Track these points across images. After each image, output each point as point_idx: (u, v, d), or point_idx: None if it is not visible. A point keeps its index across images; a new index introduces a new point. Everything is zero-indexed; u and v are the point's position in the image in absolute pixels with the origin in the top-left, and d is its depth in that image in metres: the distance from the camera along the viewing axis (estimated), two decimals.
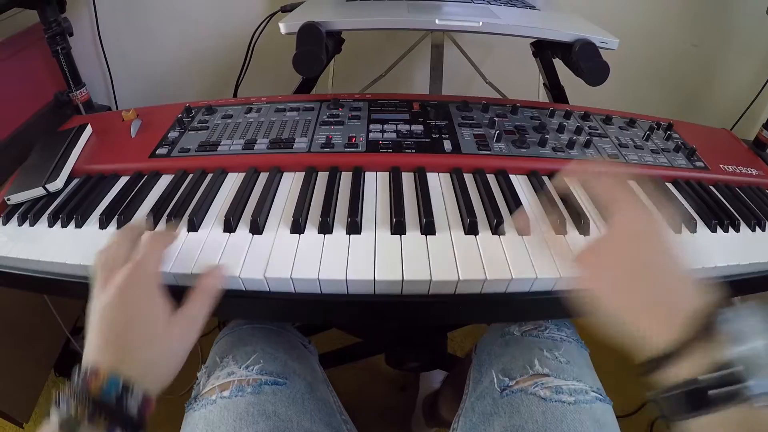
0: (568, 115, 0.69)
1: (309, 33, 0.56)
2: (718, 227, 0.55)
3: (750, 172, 0.67)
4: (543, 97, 0.92)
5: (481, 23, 0.59)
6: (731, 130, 1.12)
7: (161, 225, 0.50)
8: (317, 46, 0.56)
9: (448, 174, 0.57)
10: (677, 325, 0.32)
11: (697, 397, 0.29)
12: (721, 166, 0.66)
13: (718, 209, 0.57)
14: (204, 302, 0.42)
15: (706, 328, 0.31)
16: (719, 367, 0.29)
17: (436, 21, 0.60)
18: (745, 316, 0.30)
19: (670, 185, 0.61)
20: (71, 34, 0.88)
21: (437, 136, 0.62)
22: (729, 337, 0.29)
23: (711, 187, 0.62)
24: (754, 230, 0.56)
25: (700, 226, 0.54)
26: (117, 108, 1.16)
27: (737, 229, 0.55)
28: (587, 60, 0.60)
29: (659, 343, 0.32)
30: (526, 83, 0.98)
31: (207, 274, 0.43)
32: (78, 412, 0.34)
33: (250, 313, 0.55)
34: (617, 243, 0.40)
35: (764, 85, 1.09)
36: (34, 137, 0.68)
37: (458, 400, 0.62)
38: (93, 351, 0.38)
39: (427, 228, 0.48)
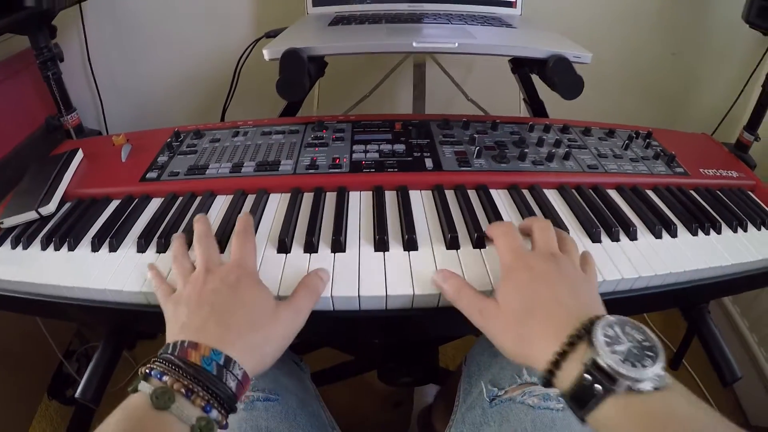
0: (547, 129, 0.71)
1: (292, 59, 0.58)
2: (699, 231, 0.56)
3: (731, 174, 0.68)
4: (524, 111, 0.94)
5: (457, 44, 0.61)
6: (713, 134, 1.14)
7: (151, 248, 0.51)
8: (300, 72, 0.57)
9: (430, 191, 0.59)
10: (551, 350, 0.35)
11: (583, 395, 0.33)
12: (701, 170, 0.67)
13: (698, 213, 0.57)
14: (309, 296, 0.43)
15: (584, 339, 0.34)
16: (594, 367, 0.32)
17: (414, 44, 0.61)
18: (615, 324, 0.34)
19: (649, 192, 0.62)
20: (62, 60, 0.89)
21: (419, 154, 0.63)
22: (600, 342, 0.33)
23: (691, 192, 0.63)
24: (735, 231, 0.57)
25: (681, 230, 0.55)
26: (107, 132, 1.17)
27: (718, 232, 0.56)
28: (561, 75, 0.61)
29: (540, 367, 0.36)
30: (507, 99, 1.00)
31: (311, 273, 0.45)
32: (174, 384, 0.33)
33: None
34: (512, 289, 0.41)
35: (743, 89, 1.12)
36: (26, 161, 0.69)
37: (451, 413, 0.63)
38: (188, 331, 0.37)
39: (410, 244, 0.49)
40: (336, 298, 0.45)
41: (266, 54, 0.61)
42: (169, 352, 0.36)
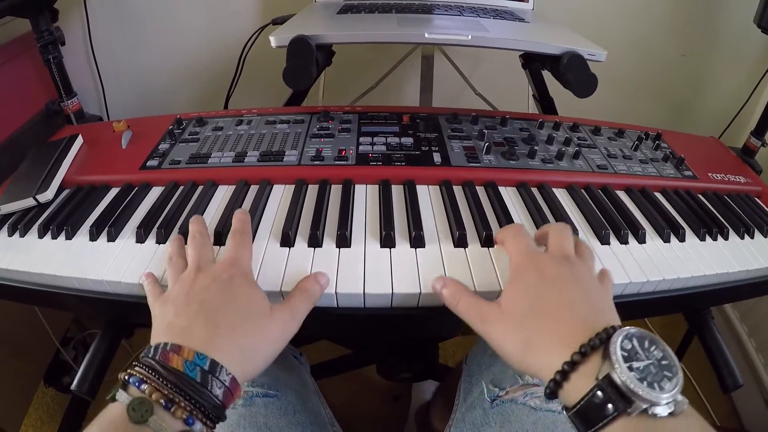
0: (557, 127, 0.70)
1: (299, 46, 0.57)
2: (707, 236, 0.55)
3: (738, 179, 0.67)
4: (533, 108, 0.93)
5: (470, 37, 0.60)
6: (720, 138, 1.13)
7: (151, 239, 0.50)
8: (307, 60, 0.56)
9: (438, 186, 0.58)
10: (559, 359, 0.32)
11: (592, 413, 0.30)
12: (709, 174, 0.67)
13: (706, 218, 0.57)
14: (305, 300, 0.41)
15: (598, 350, 0.31)
16: (608, 384, 0.29)
17: (426, 35, 0.60)
18: (634, 337, 0.31)
19: (658, 195, 0.61)
20: (63, 44, 0.88)
21: (427, 148, 0.62)
22: (618, 357, 0.30)
23: (699, 196, 0.63)
24: (742, 238, 0.56)
25: (689, 235, 0.54)
26: (108, 118, 1.16)
27: (726, 238, 0.56)
28: (575, 72, 0.60)
29: (546, 378, 0.33)
30: (515, 94, 0.99)
31: (308, 277, 0.43)
32: (153, 393, 0.31)
33: None
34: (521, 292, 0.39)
35: (752, 93, 1.10)
36: (26, 146, 0.68)
37: (450, 410, 0.62)
38: (172, 332, 0.35)
39: (417, 241, 0.48)
40: (340, 295, 0.44)
41: (273, 41, 0.60)
42: (150, 355, 0.33)
